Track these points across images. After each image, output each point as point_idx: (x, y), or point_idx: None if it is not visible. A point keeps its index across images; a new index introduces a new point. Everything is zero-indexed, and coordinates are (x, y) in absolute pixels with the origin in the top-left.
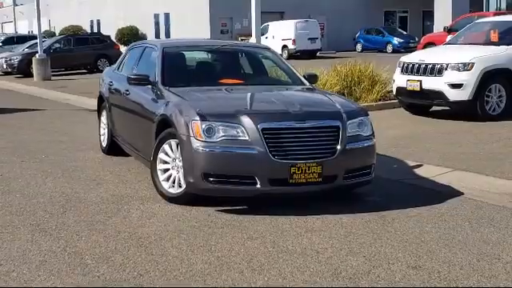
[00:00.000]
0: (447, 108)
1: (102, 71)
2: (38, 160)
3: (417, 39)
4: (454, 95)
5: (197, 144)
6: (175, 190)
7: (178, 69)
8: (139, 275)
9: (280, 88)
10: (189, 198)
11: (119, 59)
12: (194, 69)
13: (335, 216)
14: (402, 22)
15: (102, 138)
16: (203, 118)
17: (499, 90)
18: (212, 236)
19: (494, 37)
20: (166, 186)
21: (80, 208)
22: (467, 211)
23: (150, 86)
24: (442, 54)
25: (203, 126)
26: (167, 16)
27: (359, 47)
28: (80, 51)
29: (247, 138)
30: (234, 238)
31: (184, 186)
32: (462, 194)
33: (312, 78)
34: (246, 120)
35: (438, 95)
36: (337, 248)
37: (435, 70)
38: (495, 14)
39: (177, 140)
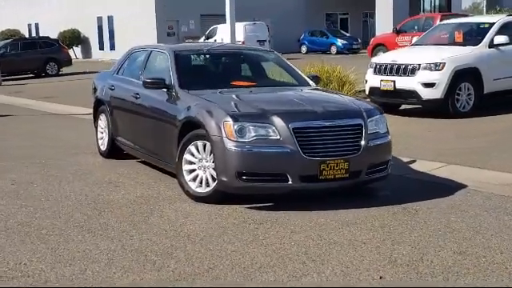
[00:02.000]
0: (418, 106)
1: (50, 75)
2: (40, 165)
3: (359, 41)
4: (426, 94)
5: (230, 144)
6: (203, 190)
7: (192, 72)
8: (210, 269)
9: (294, 89)
10: (217, 197)
11: (117, 63)
12: (207, 72)
13: (361, 209)
14: (342, 24)
15: (100, 141)
16: (235, 118)
17: (468, 89)
18: (257, 231)
19: (459, 37)
20: (192, 186)
21: (113, 209)
22: (479, 201)
23: (165, 90)
24: (414, 55)
25: (235, 127)
26: (111, 19)
27: (304, 49)
28: (28, 55)
29: (278, 137)
30: (279, 233)
31: (212, 185)
32: (466, 186)
33: (316, 79)
34: (277, 120)
35: (411, 94)
36: (380, 238)
37: (408, 70)
38: (442, 15)
39: (203, 141)
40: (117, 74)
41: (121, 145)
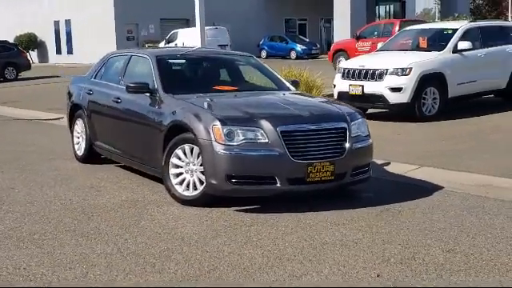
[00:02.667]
0: (385, 110)
1: (9, 80)
2: (18, 170)
3: (318, 46)
4: (394, 98)
5: (219, 147)
6: (190, 193)
7: (174, 76)
8: (210, 270)
9: (276, 93)
10: (205, 200)
11: (94, 68)
12: (189, 76)
13: (347, 211)
14: (301, 29)
15: (76, 146)
16: (224, 122)
17: (433, 93)
18: (249, 233)
19: (423, 43)
20: (179, 189)
21: (101, 214)
22: (457, 202)
23: (148, 94)
24: (381, 60)
25: (224, 131)
26: (68, 23)
27: (264, 54)
28: None
29: (267, 140)
30: (271, 234)
31: (200, 188)
32: (443, 187)
33: (295, 84)
34: (265, 123)
35: (379, 99)
36: (370, 238)
37: (376, 75)
38: (401, 21)
39: (191, 145)
40: (94, 78)
41: (99, 149)
